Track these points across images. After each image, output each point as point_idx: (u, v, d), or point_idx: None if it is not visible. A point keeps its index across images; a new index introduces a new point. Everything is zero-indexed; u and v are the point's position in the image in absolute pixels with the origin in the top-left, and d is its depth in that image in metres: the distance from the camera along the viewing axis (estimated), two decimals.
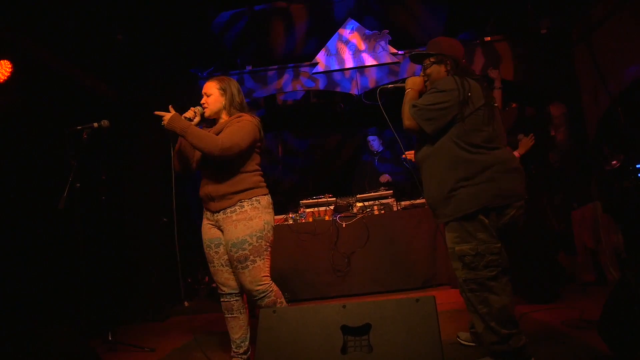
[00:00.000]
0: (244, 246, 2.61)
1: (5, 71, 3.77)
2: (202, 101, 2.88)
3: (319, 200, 5.16)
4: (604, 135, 4.80)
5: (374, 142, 5.86)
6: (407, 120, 2.37)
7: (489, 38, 5.43)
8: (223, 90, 2.85)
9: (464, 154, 2.29)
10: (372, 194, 5.15)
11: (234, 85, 2.88)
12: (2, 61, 3.76)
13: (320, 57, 5.67)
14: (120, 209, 5.38)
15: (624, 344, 2.16)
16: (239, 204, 2.67)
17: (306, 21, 5.69)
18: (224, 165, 2.69)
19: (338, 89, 5.76)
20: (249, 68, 5.82)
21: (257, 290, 2.62)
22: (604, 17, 4.63)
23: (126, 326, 4.53)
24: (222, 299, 2.83)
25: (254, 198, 2.71)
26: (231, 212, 2.67)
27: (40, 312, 3.83)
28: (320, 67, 5.66)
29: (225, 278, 2.77)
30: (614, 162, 4.41)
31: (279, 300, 2.69)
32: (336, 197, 5.19)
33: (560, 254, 4.67)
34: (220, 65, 5.82)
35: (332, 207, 5.10)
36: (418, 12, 5.60)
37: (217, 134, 2.72)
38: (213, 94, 2.86)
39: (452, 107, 2.29)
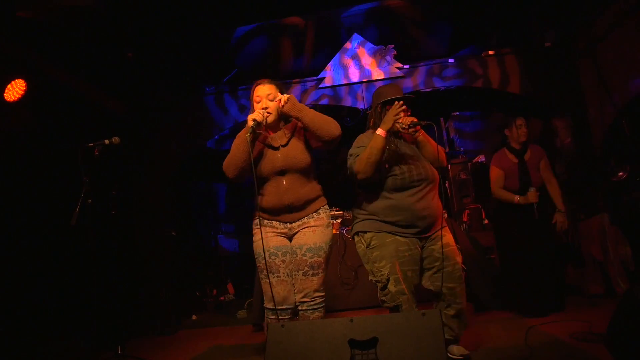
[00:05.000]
0: (320, 253, 2.58)
1: (20, 89, 3.85)
2: (264, 105, 2.62)
3: None
4: (610, 147, 4.80)
5: None
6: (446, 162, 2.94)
7: (493, 52, 5.46)
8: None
9: None
10: None
11: (283, 88, 2.75)
12: (16, 80, 3.84)
13: (327, 72, 5.74)
14: (130, 224, 5.44)
15: (631, 357, 2.16)
16: (317, 210, 2.65)
17: (313, 36, 5.78)
18: (305, 172, 2.64)
19: (344, 103, 5.82)
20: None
21: (318, 297, 2.57)
22: (608, 29, 4.66)
23: (135, 339, 4.56)
24: (272, 316, 2.58)
25: (326, 206, 2.72)
26: (308, 218, 2.63)
27: (52, 326, 3.87)
28: (327, 82, 5.73)
29: (288, 290, 2.58)
30: (621, 173, 4.40)
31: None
32: (343, 211, 5.22)
33: (567, 266, 4.65)
34: (229, 81, 5.90)
35: (339, 221, 5.12)
36: (423, 27, 5.67)
37: (287, 143, 2.63)
38: (277, 97, 2.64)
39: None
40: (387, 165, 2.68)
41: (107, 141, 3.36)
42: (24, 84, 3.90)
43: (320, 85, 5.73)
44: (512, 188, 4.02)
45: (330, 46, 5.80)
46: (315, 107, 6.05)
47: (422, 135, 2.70)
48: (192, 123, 5.81)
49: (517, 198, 3.94)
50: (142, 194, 5.57)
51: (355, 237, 2.83)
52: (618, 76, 4.63)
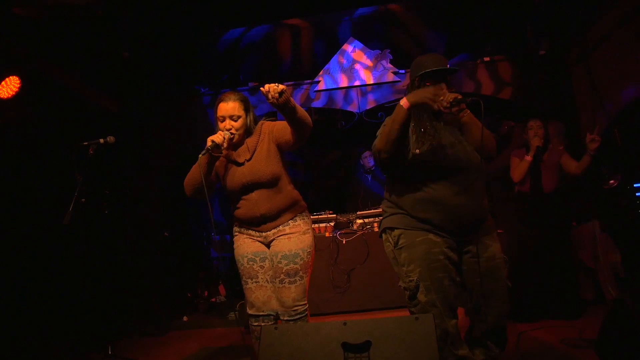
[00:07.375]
0: (296, 260, 2.52)
1: (14, 87, 3.83)
2: (228, 126, 2.53)
3: (320, 216, 5.19)
4: (602, 155, 4.84)
5: (370, 159, 5.93)
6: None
7: (488, 58, 5.50)
8: (247, 111, 2.58)
9: None
10: (372, 210, 5.19)
11: (248, 101, 2.65)
12: (10, 77, 3.82)
13: (323, 75, 5.76)
14: (122, 223, 5.42)
15: None
16: (292, 218, 2.63)
17: (309, 39, 5.79)
18: (274, 182, 2.57)
19: (339, 107, 5.83)
20: (251, 85, 5.89)
21: (298, 307, 2.51)
22: (602, 38, 4.70)
23: (126, 340, 4.54)
24: (255, 323, 2.59)
25: (304, 213, 2.70)
26: (284, 226, 2.60)
27: (42, 326, 3.84)
28: (322, 85, 5.74)
29: (267, 296, 2.58)
30: (612, 181, 4.44)
31: None
32: (336, 214, 5.23)
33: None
34: (223, 82, 5.90)
35: (332, 224, 5.13)
36: (419, 33, 5.70)
37: (251, 157, 2.56)
38: (242, 116, 2.56)
39: None
40: (417, 151, 2.17)
41: (102, 140, 3.36)
42: (18, 81, 3.88)
43: (316, 88, 5.74)
44: (521, 190, 4.05)
45: (327, 49, 5.82)
46: (310, 109, 6.10)
47: (467, 116, 2.22)
48: (187, 123, 5.80)
49: (528, 157, 3.95)
50: (135, 193, 5.55)
51: (383, 235, 2.42)
52: (611, 85, 4.67)
